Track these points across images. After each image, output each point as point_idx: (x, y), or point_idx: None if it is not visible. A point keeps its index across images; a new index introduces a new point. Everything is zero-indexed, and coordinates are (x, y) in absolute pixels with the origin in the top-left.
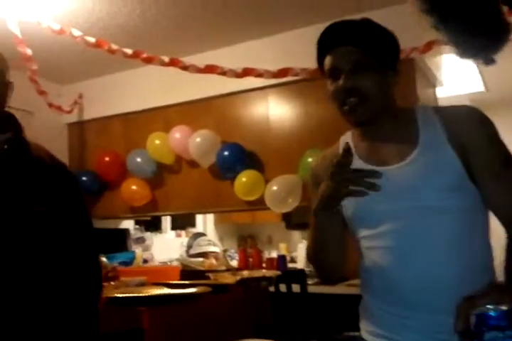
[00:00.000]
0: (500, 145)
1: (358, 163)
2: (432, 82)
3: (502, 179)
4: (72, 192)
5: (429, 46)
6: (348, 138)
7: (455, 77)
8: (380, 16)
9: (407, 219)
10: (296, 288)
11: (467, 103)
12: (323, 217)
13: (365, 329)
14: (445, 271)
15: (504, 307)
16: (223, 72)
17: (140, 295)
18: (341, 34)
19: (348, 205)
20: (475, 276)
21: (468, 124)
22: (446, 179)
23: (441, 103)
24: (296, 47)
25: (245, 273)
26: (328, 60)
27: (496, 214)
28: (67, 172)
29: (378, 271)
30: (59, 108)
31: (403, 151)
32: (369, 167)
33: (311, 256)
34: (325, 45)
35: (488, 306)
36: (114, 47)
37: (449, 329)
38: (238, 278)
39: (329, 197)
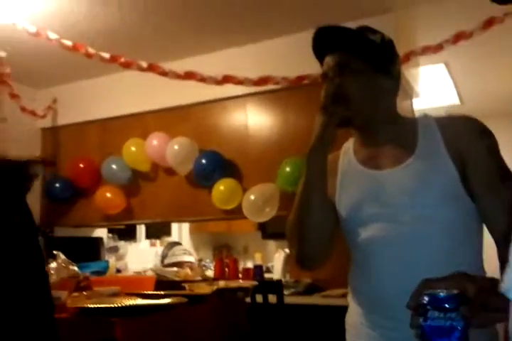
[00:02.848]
0: (499, 158)
1: (357, 167)
2: (409, 94)
3: (498, 193)
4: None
5: (407, 57)
6: (350, 143)
7: (431, 89)
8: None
9: (396, 224)
10: (272, 298)
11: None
12: (316, 159)
13: (350, 339)
14: None
15: (455, 291)
16: (203, 79)
17: (113, 305)
18: (329, 40)
19: (342, 202)
20: None
21: (468, 135)
22: (440, 187)
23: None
24: (276, 56)
25: (222, 284)
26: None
27: (490, 230)
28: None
29: (364, 277)
30: (32, 112)
31: (400, 157)
32: (366, 170)
33: (293, 221)
34: (317, 53)
35: (443, 289)
36: (92, 51)
37: None
38: (214, 288)
39: (322, 127)
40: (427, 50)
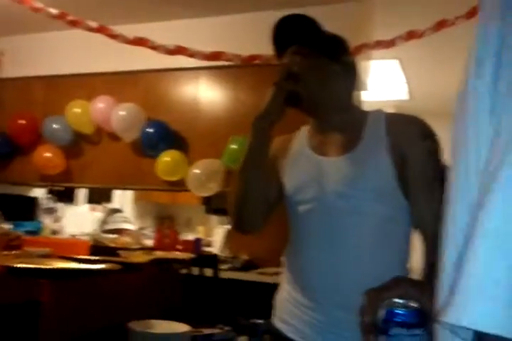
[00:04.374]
0: (438, 161)
1: (306, 151)
2: (357, 85)
3: (431, 195)
4: None
5: (359, 49)
6: (305, 129)
7: (381, 83)
8: (312, 15)
9: (330, 211)
10: (208, 272)
11: (391, 110)
12: (260, 127)
13: (278, 315)
14: (352, 271)
15: (413, 305)
16: (154, 47)
17: (42, 267)
18: (291, 35)
19: (287, 182)
20: (383, 279)
21: (412, 135)
22: (375, 181)
23: (365, 107)
24: (232, 33)
25: (158, 254)
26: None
27: (420, 232)
28: None
29: (294, 256)
30: None
31: (345, 147)
32: (314, 155)
33: (235, 184)
34: (277, 45)
35: (397, 300)
36: (39, 5)
37: (351, 326)
38: (151, 257)
39: (270, 99)
40: (379, 45)
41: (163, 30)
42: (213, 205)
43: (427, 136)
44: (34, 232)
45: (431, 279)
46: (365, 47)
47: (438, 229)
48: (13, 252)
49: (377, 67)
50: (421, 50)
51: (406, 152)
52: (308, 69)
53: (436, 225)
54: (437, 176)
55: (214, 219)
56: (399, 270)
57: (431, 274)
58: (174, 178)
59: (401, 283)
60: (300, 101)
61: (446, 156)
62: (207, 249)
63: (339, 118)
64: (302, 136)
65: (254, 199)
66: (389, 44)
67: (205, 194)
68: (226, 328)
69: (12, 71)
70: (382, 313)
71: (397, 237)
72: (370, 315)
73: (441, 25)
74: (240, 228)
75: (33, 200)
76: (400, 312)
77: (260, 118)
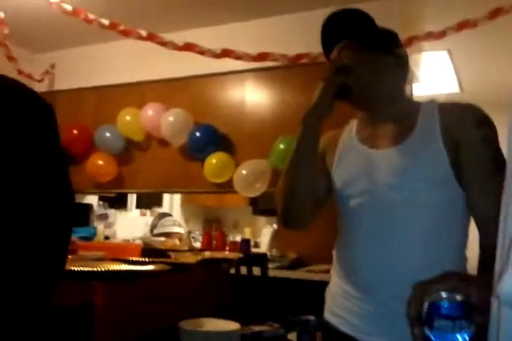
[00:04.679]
0: (495, 149)
1: (355, 145)
2: (409, 78)
3: (487, 185)
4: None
5: (410, 41)
6: (354, 122)
7: (432, 76)
8: (363, 9)
9: (381, 203)
10: (256, 271)
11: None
12: (310, 123)
13: (328, 308)
14: (406, 263)
15: (458, 298)
16: (202, 52)
17: (95, 269)
18: (338, 32)
19: (336, 177)
20: (437, 270)
21: (466, 123)
22: (428, 171)
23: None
24: (278, 34)
25: (207, 254)
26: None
27: (474, 218)
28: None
29: (344, 249)
30: (29, 76)
31: (396, 138)
32: (363, 148)
33: (282, 180)
34: (326, 42)
35: (443, 293)
36: (91, 16)
37: (401, 317)
38: (199, 258)
39: (320, 93)
40: (430, 36)
41: (210, 36)
42: (260, 206)
43: (481, 123)
44: (88, 238)
45: (485, 266)
46: (415, 39)
47: (493, 215)
48: (69, 257)
49: (428, 59)
50: (471, 40)
51: (459, 139)
52: (360, 63)
53: (491, 212)
54: (494, 164)
55: (261, 220)
56: (455, 260)
57: (486, 260)
58: (221, 180)
59: (450, 277)
60: (350, 94)
61: (503, 146)
62: (255, 250)
63: (390, 109)
64: (351, 130)
65: (302, 194)
66: (440, 35)
67: (252, 194)
68: (275, 325)
69: (64, 83)
70: (426, 306)
71: (452, 227)
72: (415, 307)
73: (495, 13)
74: (287, 224)
75: (86, 207)
76: (444, 304)
77: (310, 114)
